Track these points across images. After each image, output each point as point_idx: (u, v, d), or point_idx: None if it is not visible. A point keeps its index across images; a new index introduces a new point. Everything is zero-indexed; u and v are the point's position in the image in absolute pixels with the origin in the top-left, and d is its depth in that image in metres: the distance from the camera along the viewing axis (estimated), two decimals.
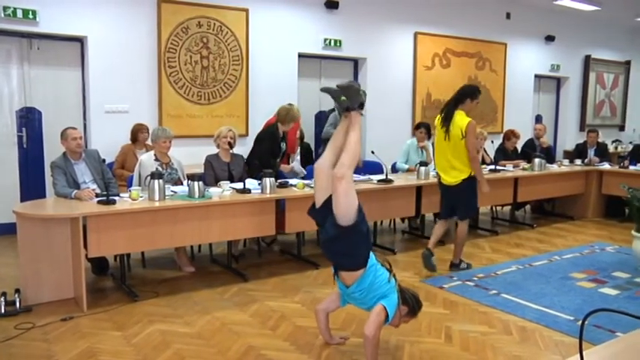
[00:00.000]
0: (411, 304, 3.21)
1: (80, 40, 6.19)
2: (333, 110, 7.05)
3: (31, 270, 3.99)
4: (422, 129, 6.58)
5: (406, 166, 6.59)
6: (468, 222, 5.14)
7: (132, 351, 3.31)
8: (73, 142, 4.46)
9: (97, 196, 4.23)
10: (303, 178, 5.63)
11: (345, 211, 2.97)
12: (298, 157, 6.57)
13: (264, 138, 5.62)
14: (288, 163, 6.27)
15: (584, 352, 1.30)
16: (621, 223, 7.12)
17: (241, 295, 4.35)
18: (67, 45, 6.17)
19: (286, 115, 5.60)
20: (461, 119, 4.81)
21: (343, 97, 3.24)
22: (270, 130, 5.70)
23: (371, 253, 3.15)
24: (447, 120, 4.86)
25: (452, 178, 4.88)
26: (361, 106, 3.26)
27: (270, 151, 5.56)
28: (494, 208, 7.60)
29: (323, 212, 3.11)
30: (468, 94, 4.91)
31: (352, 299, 3.23)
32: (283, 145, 5.76)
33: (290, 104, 6.07)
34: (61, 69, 6.18)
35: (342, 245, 3.06)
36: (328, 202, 3.07)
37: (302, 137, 6.76)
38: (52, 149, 5.56)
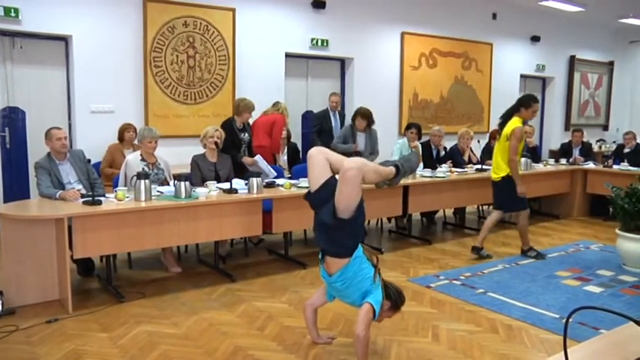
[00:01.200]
0: (393, 298, 3.21)
1: (65, 40, 6.13)
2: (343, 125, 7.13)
3: (15, 272, 3.94)
4: (413, 129, 6.60)
5: None
6: (525, 213, 5.55)
7: (118, 352, 3.28)
8: (58, 142, 4.42)
9: (82, 196, 4.20)
10: (289, 178, 5.61)
11: (347, 205, 2.98)
12: (285, 157, 6.56)
13: (224, 131, 5.74)
14: (275, 163, 6.27)
15: (568, 350, 1.32)
16: (605, 222, 7.21)
17: (228, 295, 4.33)
18: (51, 44, 6.11)
19: (238, 105, 5.94)
20: (512, 124, 5.31)
21: (407, 169, 3.36)
22: (227, 122, 5.90)
23: (360, 246, 3.15)
24: (502, 125, 5.45)
25: (495, 174, 5.54)
26: (397, 177, 3.35)
27: (230, 142, 5.65)
28: (480, 208, 7.65)
29: (320, 196, 3.08)
30: (522, 103, 5.40)
31: (334, 290, 3.22)
32: (245, 136, 5.92)
33: (277, 102, 6.18)
34: (45, 68, 6.11)
35: (335, 234, 3.06)
36: (327, 185, 3.06)
37: (289, 137, 6.75)
38: (36, 150, 5.49)
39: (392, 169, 3.27)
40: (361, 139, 6.45)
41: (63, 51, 6.17)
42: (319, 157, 3.14)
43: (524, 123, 5.46)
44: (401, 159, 3.43)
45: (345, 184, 2.95)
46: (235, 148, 5.79)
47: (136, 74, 6.41)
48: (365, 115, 6.38)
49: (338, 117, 7.32)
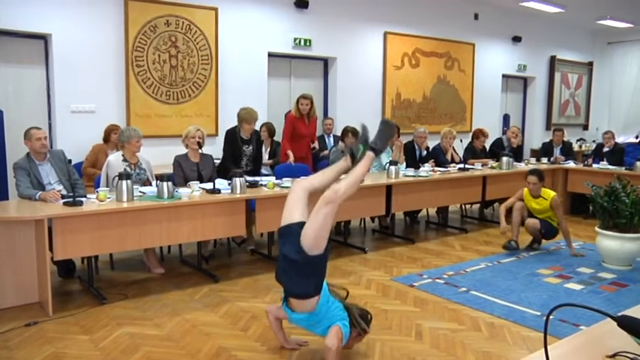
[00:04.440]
0: (358, 328, 3.12)
1: (44, 38, 6.04)
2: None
3: None
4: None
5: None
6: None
7: (99, 355, 3.25)
8: (37, 142, 4.36)
9: (63, 197, 4.14)
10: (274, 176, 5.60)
11: (315, 241, 2.87)
12: (266, 156, 6.54)
13: (225, 140, 5.58)
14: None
15: (549, 347, 1.33)
16: (586, 220, 7.31)
17: (212, 296, 4.31)
18: (30, 42, 6.01)
19: (237, 115, 5.57)
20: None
21: (376, 141, 3.23)
22: (229, 130, 5.61)
23: (325, 287, 3.05)
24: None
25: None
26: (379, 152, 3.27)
27: (231, 155, 5.52)
28: (463, 207, 7.71)
29: (289, 229, 3.01)
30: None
31: (298, 323, 3.15)
32: (249, 149, 5.59)
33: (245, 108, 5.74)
34: (23, 67, 6.02)
35: (299, 270, 2.94)
36: (294, 226, 2.99)
37: (273, 134, 6.72)
38: (15, 150, 5.41)
39: (370, 154, 3.18)
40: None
41: (42, 50, 6.08)
42: (294, 196, 3.10)
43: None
44: (374, 138, 3.26)
45: (314, 220, 2.87)
46: (235, 160, 5.57)
47: (118, 73, 6.34)
48: (355, 133, 6.39)
49: (332, 139, 7.30)
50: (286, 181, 5.01)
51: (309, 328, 3.16)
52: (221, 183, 4.82)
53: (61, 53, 5.98)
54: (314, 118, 6.63)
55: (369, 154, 3.19)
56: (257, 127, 6.00)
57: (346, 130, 6.34)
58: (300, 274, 2.95)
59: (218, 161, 5.80)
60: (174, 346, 3.39)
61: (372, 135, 3.28)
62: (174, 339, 3.49)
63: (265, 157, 6.47)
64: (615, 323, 1.38)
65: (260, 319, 3.81)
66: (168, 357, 3.24)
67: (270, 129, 6.71)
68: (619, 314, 1.42)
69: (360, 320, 3.14)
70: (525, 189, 5.83)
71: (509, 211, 5.83)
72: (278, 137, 6.83)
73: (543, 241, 5.91)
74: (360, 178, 3.11)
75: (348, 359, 3.24)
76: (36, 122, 5.06)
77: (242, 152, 5.63)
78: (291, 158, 6.22)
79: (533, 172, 5.78)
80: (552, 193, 5.72)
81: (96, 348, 3.34)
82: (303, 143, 6.58)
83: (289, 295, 3.07)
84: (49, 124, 6.13)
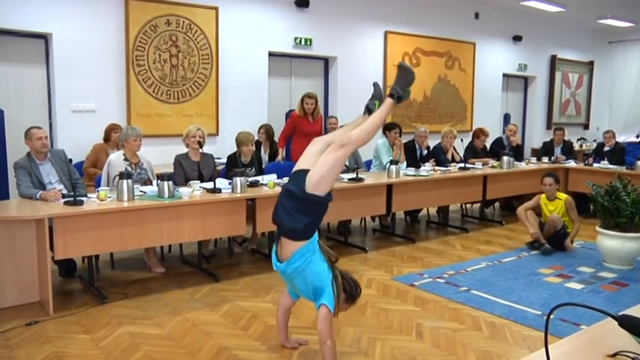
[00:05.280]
0: (349, 290, 3.09)
1: (44, 37, 6.04)
2: None
3: None
4: (397, 129, 6.62)
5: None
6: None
7: (100, 354, 3.25)
8: (38, 141, 4.36)
9: (63, 196, 4.14)
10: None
11: (319, 180, 2.87)
12: (266, 157, 6.54)
13: (227, 166, 5.55)
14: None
15: (549, 346, 1.33)
16: (586, 219, 7.28)
17: (212, 295, 4.31)
18: (31, 42, 6.01)
19: (242, 137, 5.52)
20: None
21: (395, 87, 3.23)
22: (231, 156, 5.57)
23: (316, 240, 3.03)
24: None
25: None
26: (399, 99, 3.27)
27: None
28: (464, 206, 7.71)
29: (296, 173, 3.03)
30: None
31: (287, 278, 3.09)
32: (251, 172, 5.51)
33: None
34: (23, 66, 6.02)
35: (297, 205, 2.91)
36: (304, 171, 2.98)
37: (272, 136, 6.74)
38: (15, 149, 5.41)
39: (389, 100, 3.19)
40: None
41: (43, 49, 6.08)
42: (312, 148, 3.13)
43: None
44: (393, 85, 3.27)
45: (322, 163, 2.90)
46: None
47: (118, 73, 6.34)
48: None
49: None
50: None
51: (298, 287, 3.09)
52: (222, 182, 4.82)
53: (61, 52, 5.98)
54: (319, 116, 6.62)
55: (389, 100, 3.19)
56: (255, 128, 6.01)
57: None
58: (297, 210, 2.91)
59: (219, 161, 5.80)
60: (175, 346, 3.39)
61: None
62: (175, 338, 3.50)
63: (265, 158, 6.47)
64: (616, 323, 1.38)
65: (260, 319, 3.82)
66: (168, 356, 3.25)
67: (268, 131, 6.72)
68: (620, 314, 1.42)
69: (352, 284, 3.10)
70: (542, 195, 5.90)
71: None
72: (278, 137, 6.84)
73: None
74: (377, 125, 3.10)
75: (349, 358, 3.24)
76: (36, 122, 5.07)
77: (243, 173, 5.57)
78: (280, 157, 6.31)
79: (549, 174, 5.94)
80: (565, 195, 5.85)
81: (96, 347, 3.34)
82: (310, 141, 6.54)
83: (281, 233, 3.01)
84: (50, 124, 6.13)
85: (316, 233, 3.06)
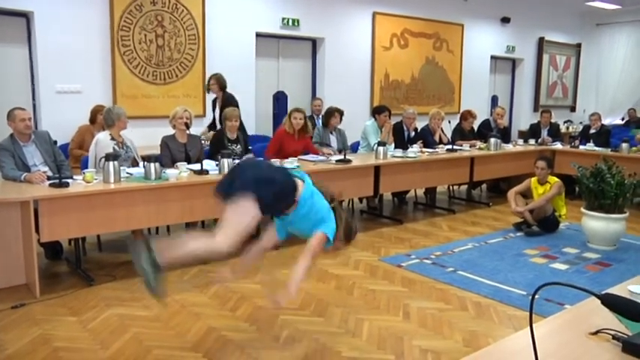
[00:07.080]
0: (347, 229, 3.08)
1: (25, 16, 5.91)
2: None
3: None
4: (386, 112, 6.61)
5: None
6: None
7: (88, 336, 3.24)
8: (22, 123, 4.29)
9: (48, 178, 4.10)
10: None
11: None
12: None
13: (211, 144, 5.53)
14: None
15: (534, 325, 1.35)
16: (572, 201, 7.36)
17: (201, 276, 4.31)
18: (11, 20, 5.89)
19: (227, 111, 5.50)
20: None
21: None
22: (216, 134, 5.52)
23: (310, 183, 3.01)
24: None
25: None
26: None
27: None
28: (451, 188, 7.75)
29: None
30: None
31: (290, 225, 3.08)
32: (237, 148, 5.44)
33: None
34: (4, 46, 5.89)
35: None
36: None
37: (224, 87, 6.44)
38: None
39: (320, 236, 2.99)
40: (332, 138, 6.40)
41: (24, 28, 5.96)
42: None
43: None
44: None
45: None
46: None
47: (103, 53, 6.25)
48: (340, 111, 6.34)
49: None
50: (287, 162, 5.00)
51: (301, 231, 3.05)
52: (209, 164, 4.79)
53: (44, 32, 5.87)
54: (308, 136, 6.04)
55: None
56: (243, 110, 5.95)
57: (331, 110, 6.31)
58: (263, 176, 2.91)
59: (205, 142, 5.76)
60: (164, 327, 3.39)
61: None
62: (163, 319, 3.50)
63: (217, 115, 6.24)
64: (599, 301, 1.41)
65: (249, 300, 3.83)
66: (157, 337, 3.25)
67: (219, 80, 6.34)
68: (602, 292, 1.44)
69: (349, 221, 3.11)
70: (533, 178, 5.91)
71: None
72: (251, 131, 6.74)
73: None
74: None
75: (336, 338, 3.27)
76: (19, 103, 4.97)
77: (231, 152, 5.51)
78: None
79: (542, 157, 5.96)
80: (556, 179, 5.87)
81: (84, 329, 3.34)
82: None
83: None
84: (34, 105, 6.04)
85: (309, 179, 3.05)
